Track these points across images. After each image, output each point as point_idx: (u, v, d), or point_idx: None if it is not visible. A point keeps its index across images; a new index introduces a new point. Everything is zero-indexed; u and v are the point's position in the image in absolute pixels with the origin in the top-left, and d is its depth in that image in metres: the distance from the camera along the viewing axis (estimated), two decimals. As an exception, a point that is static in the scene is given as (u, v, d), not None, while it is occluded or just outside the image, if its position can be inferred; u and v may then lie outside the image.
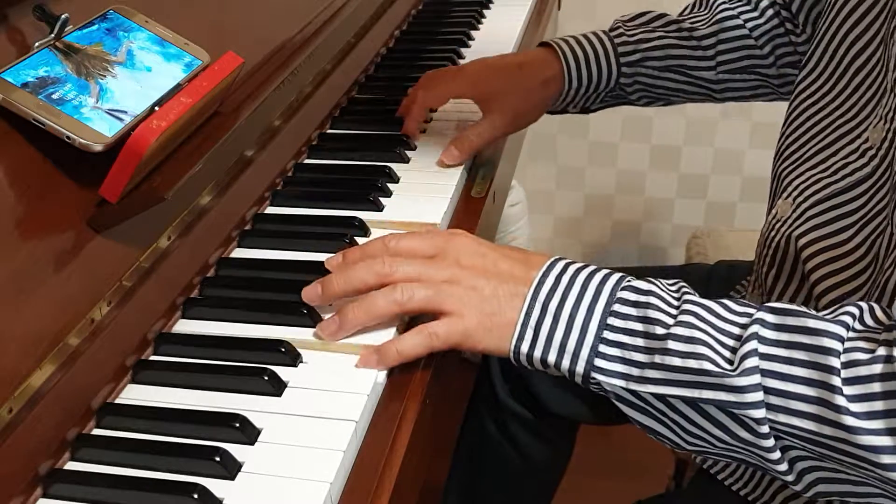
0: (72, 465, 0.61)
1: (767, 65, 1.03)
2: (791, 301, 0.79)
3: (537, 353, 0.66)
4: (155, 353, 0.70)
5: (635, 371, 0.63)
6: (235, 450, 0.60)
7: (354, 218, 0.84)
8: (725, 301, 0.64)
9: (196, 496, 0.56)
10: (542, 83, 0.99)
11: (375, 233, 0.83)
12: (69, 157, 0.66)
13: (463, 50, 1.25)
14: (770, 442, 0.61)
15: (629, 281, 0.67)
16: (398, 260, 0.69)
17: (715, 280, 1.06)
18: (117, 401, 0.65)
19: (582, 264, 0.69)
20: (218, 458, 0.58)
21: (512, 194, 1.93)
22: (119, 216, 0.68)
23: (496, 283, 0.68)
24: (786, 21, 1.01)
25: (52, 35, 0.69)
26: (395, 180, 0.92)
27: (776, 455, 0.62)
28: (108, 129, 0.67)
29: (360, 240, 0.82)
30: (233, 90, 0.80)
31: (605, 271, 0.67)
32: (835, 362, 0.58)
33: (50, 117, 0.64)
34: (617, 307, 0.65)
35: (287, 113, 0.94)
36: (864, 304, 0.62)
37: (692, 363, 0.61)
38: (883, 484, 0.59)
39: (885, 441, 0.56)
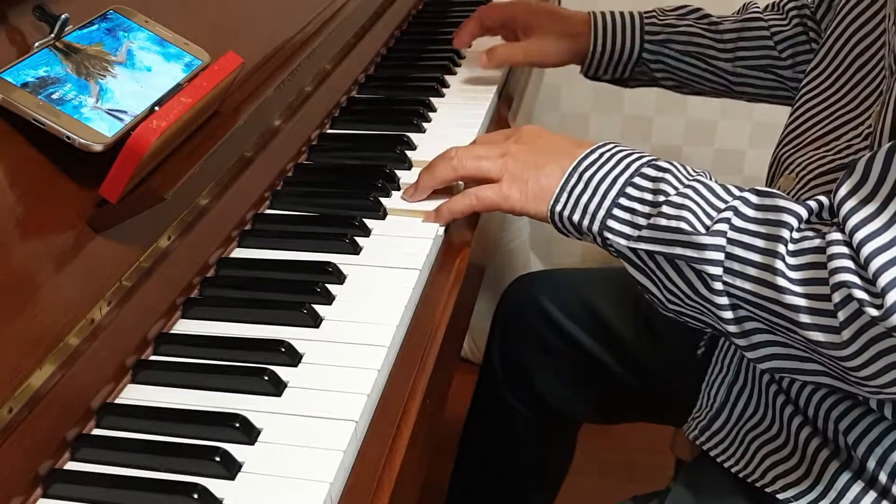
0: (72, 465, 0.61)
1: (784, 66, 1.09)
2: None
3: (566, 212, 0.77)
4: (155, 353, 0.70)
5: (635, 232, 0.73)
6: (235, 450, 0.60)
7: (354, 218, 0.84)
8: (729, 185, 0.73)
9: (196, 496, 0.56)
10: (573, 35, 1.13)
11: (375, 233, 0.83)
12: (69, 157, 0.66)
13: (463, 50, 1.25)
14: (723, 300, 0.69)
15: (657, 161, 0.76)
16: (465, 146, 0.84)
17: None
18: (117, 401, 0.65)
19: (628, 148, 0.78)
20: (218, 458, 0.58)
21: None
22: (119, 216, 0.68)
23: (543, 157, 0.79)
24: (810, 30, 1.06)
25: (52, 35, 0.69)
26: (395, 180, 0.92)
27: (728, 315, 0.70)
28: (108, 129, 0.67)
29: (360, 240, 0.82)
30: (233, 90, 0.80)
31: (641, 154, 0.77)
32: (785, 234, 0.67)
33: (50, 117, 0.64)
34: (637, 179, 0.75)
35: (287, 113, 0.94)
36: (825, 200, 0.69)
37: (673, 223, 0.70)
38: (818, 355, 0.67)
39: (802, 302, 0.65)
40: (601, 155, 0.78)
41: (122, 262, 0.68)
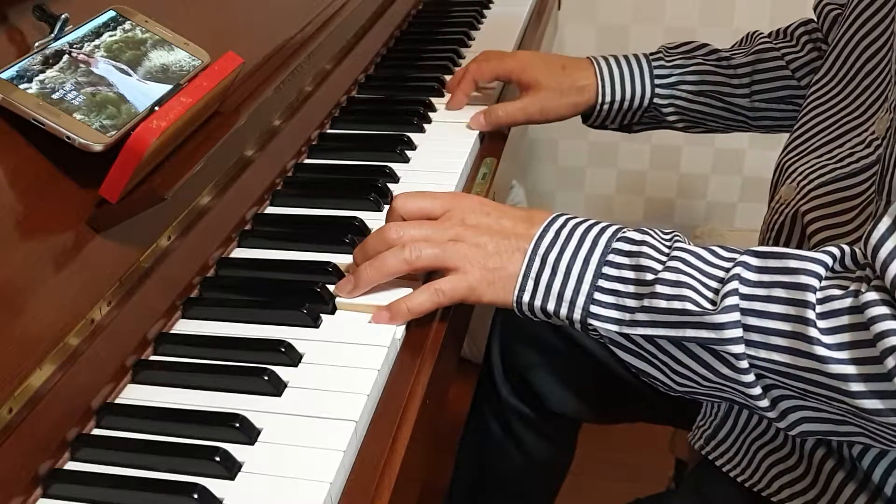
0: (72, 465, 0.61)
1: (803, 95, 1.03)
2: None
3: (538, 303, 0.71)
4: (155, 353, 0.70)
5: (627, 316, 0.67)
6: (235, 450, 0.60)
7: (354, 218, 0.84)
8: (714, 247, 0.68)
9: (196, 496, 0.56)
10: (577, 88, 1.06)
11: (375, 233, 0.83)
12: (69, 157, 0.66)
13: (463, 50, 1.25)
14: (750, 377, 0.64)
15: (624, 232, 0.70)
16: (407, 225, 0.74)
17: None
18: (117, 401, 0.65)
19: (582, 219, 0.72)
20: (218, 458, 0.58)
21: (512, 194, 1.93)
22: (119, 216, 0.68)
23: (499, 240, 0.72)
24: (824, 53, 1.02)
25: (52, 35, 0.69)
26: (395, 180, 0.92)
27: (757, 391, 0.65)
28: (108, 129, 0.67)
29: (360, 239, 0.81)
30: (233, 90, 0.80)
31: (601, 224, 0.71)
32: (810, 297, 0.61)
33: (50, 117, 0.64)
34: (612, 257, 0.69)
35: (287, 113, 0.94)
36: (845, 247, 0.65)
37: (676, 304, 0.65)
38: (858, 419, 0.62)
39: (850, 370, 0.60)
40: (557, 233, 0.71)
41: (122, 262, 0.68)
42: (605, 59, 1.07)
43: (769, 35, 1.08)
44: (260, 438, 0.61)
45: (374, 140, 1.00)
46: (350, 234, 0.81)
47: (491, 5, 1.43)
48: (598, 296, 0.68)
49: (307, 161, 0.97)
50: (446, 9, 1.40)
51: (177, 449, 0.60)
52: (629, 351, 0.69)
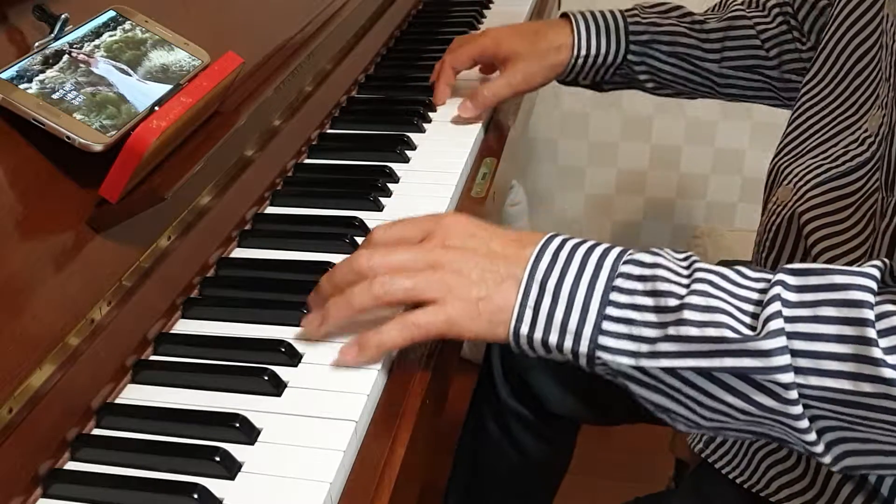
0: (72, 465, 0.61)
1: (771, 66, 1.05)
2: None
3: (538, 335, 0.63)
4: (155, 353, 0.70)
5: (645, 347, 0.60)
6: (235, 450, 0.60)
7: (354, 218, 0.84)
8: (739, 268, 0.62)
9: (196, 496, 0.56)
10: (555, 48, 1.05)
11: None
12: (69, 157, 0.66)
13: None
14: (798, 409, 0.58)
15: (631, 254, 0.63)
16: (378, 252, 0.66)
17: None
18: (117, 401, 0.65)
19: (580, 240, 0.65)
20: (218, 458, 0.58)
21: (512, 194, 1.93)
22: (119, 216, 0.68)
23: (485, 265, 0.64)
24: (793, 29, 1.04)
25: (52, 35, 0.69)
26: (395, 180, 0.92)
27: (804, 424, 0.58)
28: (108, 129, 0.67)
29: (360, 240, 0.82)
30: (233, 90, 0.80)
31: (604, 246, 0.64)
32: (868, 314, 0.56)
33: (50, 117, 0.64)
34: (620, 282, 0.62)
35: (287, 113, 0.94)
36: (886, 260, 0.60)
37: (711, 331, 0.58)
38: None
39: None
40: (555, 255, 0.63)
41: (122, 262, 0.68)
42: (582, 13, 1.07)
43: (743, 3, 1.08)
44: (260, 438, 0.61)
45: (374, 140, 1.00)
46: (350, 234, 0.81)
47: (491, 5, 1.43)
48: (606, 325, 0.61)
49: (307, 161, 0.97)
50: (446, 9, 1.40)
51: (177, 449, 0.60)
52: (646, 385, 0.61)
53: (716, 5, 1.11)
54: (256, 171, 0.87)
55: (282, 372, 0.66)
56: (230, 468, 0.59)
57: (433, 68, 1.17)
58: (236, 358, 0.68)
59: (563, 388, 1.10)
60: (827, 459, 0.61)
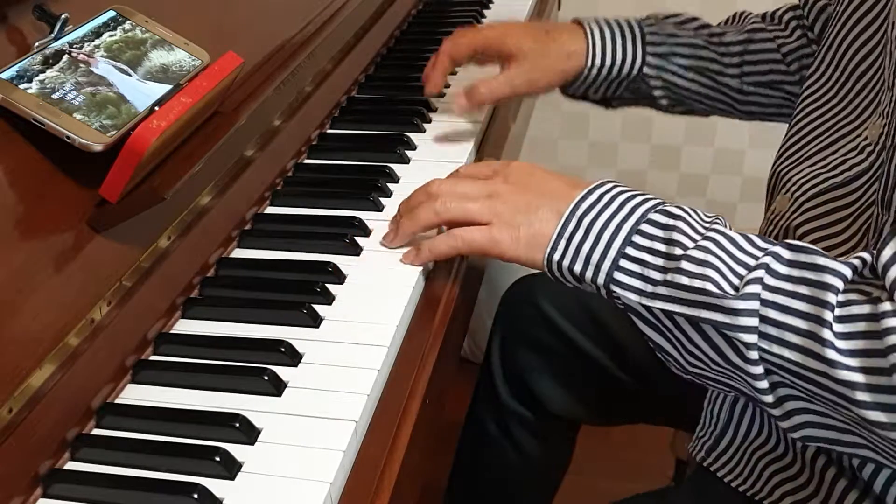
0: (72, 465, 0.61)
1: (793, 82, 1.01)
2: None
3: (566, 263, 0.70)
4: (155, 353, 0.70)
5: (649, 287, 0.66)
6: (235, 450, 0.60)
7: (354, 218, 0.84)
8: (752, 236, 0.66)
9: (196, 496, 0.56)
10: (566, 54, 1.00)
11: (375, 233, 0.83)
12: (69, 157, 0.66)
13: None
14: (758, 370, 0.63)
15: (665, 206, 0.69)
16: (449, 180, 0.77)
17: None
18: (117, 401, 0.65)
19: (630, 189, 0.71)
20: (218, 458, 0.58)
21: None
22: (119, 216, 0.68)
23: (535, 198, 0.72)
24: (812, 42, 1.00)
25: (52, 35, 0.69)
26: (395, 180, 0.92)
27: (763, 384, 0.63)
28: (108, 129, 0.67)
29: (360, 240, 0.82)
30: (233, 90, 0.80)
31: (646, 196, 0.71)
32: (831, 298, 0.60)
33: (50, 117, 0.64)
34: (644, 227, 0.68)
35: (287, 113, 0.94)
36: (875, 252, 0.62)
37: (697, 283, 0.63)
38: (864, 430, 0.61)
39: (858, 378, 0.58)
40: (600, 197, 0.70)
41: (122, 262, 0.68)
42: (597, 21, 1.00)
43: (759, 16, 1.04)
44: (260, 438, 0.61)
45: (374, 140, 1.00)
46: (350, 234, 0.81)
47: (491, 5, 1.43)
48: (623, 263, 0.67)
49: (307, 161, 0.97)
50: (446, 9, 1.40)
51: (177, 449, 0.61)
52: (648, 323, 0.68)
53: (730, 18, 1.06)
54: (256, 171, 0.87)
55: (282, 372, 0.66)
56: (230, 468, 0.59)
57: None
58: (236, 358, 0.68)
59: (563, 388, 1.10)
60: (786, 425, 0.66)
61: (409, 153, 0.97)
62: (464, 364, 0.99)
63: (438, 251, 0.76)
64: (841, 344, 0.59)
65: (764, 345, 0.62)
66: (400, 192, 0.90)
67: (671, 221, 0.67)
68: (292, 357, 0.68)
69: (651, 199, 0.70)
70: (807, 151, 0.83)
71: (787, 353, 0.61)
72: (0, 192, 0.62)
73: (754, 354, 0.62)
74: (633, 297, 0.67)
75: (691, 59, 1.02)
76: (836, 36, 0.85)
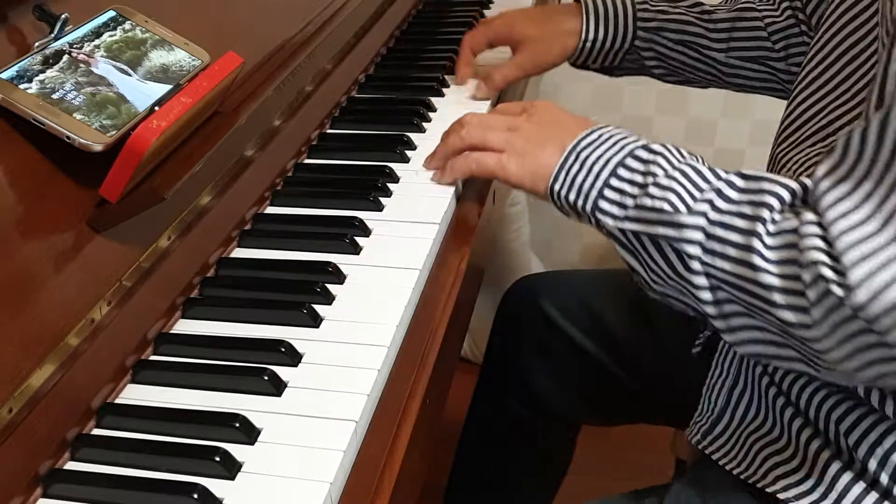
0: (72, 465, 0.61)
1: (777, 58, 1.07)
2: None
3: (564, 192, 0.79)
4: (155, 353, 0.70)
5: (622, 213, 0.74)
6: (235, 450, 0.60)
7: (354, 218, 0.84)
8: (718, 169, 0.73)
9: (196, 496, 0.56)
10: (564, 33, 1.11)
11: (375, 233, 0.83)
12: (69, 157, 0.66)
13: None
14: (701, 280, 0.70)
15: (650, 144, 0.77)
16: (480, 115, 0.89)
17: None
18: (117, 401, 0.65)
19: (627, 133, 0.79)
20: (218, 458, 0.58)
21: (512, 195, 1.93)
22: (119, 216, 0.68)
23: (547, 133, 0.82)
24: (801, 23, 1.05)
25: (52, 35, 0.69)
26: (395, 180, 0.92)
27: (706, 296, 0.71)
28: (108, 129, 0.67)
29: (360, 240, 0.82)
30: (233, 90, 0.80)
31: (637, 137, 0.79)
32: (766, 214, 0.67)
33: (50, 117, 0.64)
34: (629, 160, 0.76)
35: (287, 113, 0.94)
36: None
37: (657, 203, 0.71)
38: (792, 340, 0.67)
39: (776, 281, 0.65)
40: (599, 136, 0.79)
41: (122, 262, 0.68)
42: (594, 0, 1.11)
43: None
44: (260, 438, 0.61)
45: (374, 140, 1.00)
46: (350, 234, 0.81)
47: (491, 5, 1.43)
48: (606, 192, 0.75)
49: (307, 161, 0.97)
50: (446, 9, 1.40)
51: (177, 449, 0.61)
52: (623, 245, 0.75)
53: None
54: (256, 171, 0.87)
55: (282, 372, 0.66)
56: (230, 468, 0.59)
57: (433, 68, 1.17)
58: (236, 358, 0.68)
59: (563, 388, 1.10)
60: (731, 338, 0.72)
61: (409, 153, 0.97)
62: (464, 364, 0.99)
63: (457, 169, 0.87)
64: (769, 254, 0.66)
65: (708, 259, 0.69)
66: (400, 192, 0.90)
67: (651, 156, 0.75)
68: (292, 357, 0.68)
69: (643, 140, 0.78)
70: (804, 133, 0.84)
71: (726, 265, 0.68)
72: (0, 192, 0.62)
73: (696, 265, 0.69)
74: (609, 221, 0.75)
75: (680, 33, 1.10)
76: (830, 17, 0.86)
